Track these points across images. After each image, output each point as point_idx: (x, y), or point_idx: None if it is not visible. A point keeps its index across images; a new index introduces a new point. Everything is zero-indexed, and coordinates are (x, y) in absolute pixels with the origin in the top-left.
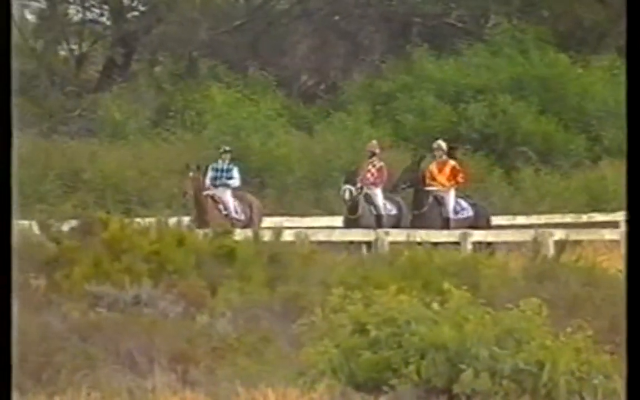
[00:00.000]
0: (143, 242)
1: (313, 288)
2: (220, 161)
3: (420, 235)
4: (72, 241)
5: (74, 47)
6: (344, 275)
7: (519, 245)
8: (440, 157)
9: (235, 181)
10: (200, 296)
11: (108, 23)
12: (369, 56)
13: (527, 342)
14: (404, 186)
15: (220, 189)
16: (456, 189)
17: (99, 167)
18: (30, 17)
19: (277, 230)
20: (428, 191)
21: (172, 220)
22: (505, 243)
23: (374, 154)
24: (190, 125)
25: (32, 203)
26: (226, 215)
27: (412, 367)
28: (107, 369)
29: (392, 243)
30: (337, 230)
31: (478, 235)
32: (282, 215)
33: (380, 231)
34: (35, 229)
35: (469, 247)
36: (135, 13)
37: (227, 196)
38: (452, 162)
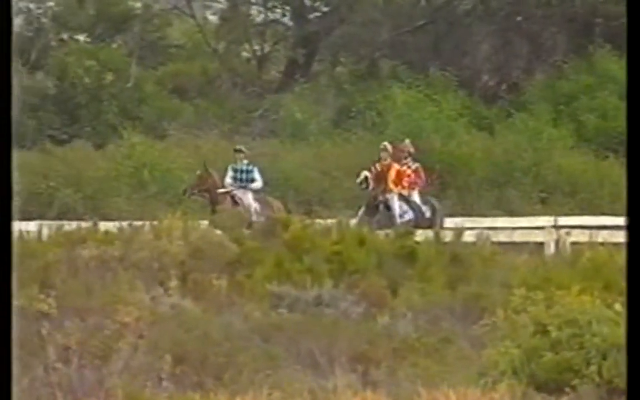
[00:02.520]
0: (324, 243)
1: (494, 289)
2: (239, 161)
3: (603, 235)
4: (253, 242)
5: (256, 47)
6: (525, 275)
7: None
8: (385, 159)
9: (258, 183)
10: (381, 297)
11: (290, 24)
12: (550, 57)
13: None
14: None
15: (241, 190)
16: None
17: (280, 168)
18: (212, 18)
19: (458, 231)
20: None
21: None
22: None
23: (409, 154)
24: (371, 125)
25: None
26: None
27: (593, 368)
28: (288, 370)
29: (573, 243)
30: (518, 231)
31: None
32: (463, 215)
33: (562, 232)
34: (217, 229)
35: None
36: (317, 14)
37: (249, 198)
38: (396, 166)
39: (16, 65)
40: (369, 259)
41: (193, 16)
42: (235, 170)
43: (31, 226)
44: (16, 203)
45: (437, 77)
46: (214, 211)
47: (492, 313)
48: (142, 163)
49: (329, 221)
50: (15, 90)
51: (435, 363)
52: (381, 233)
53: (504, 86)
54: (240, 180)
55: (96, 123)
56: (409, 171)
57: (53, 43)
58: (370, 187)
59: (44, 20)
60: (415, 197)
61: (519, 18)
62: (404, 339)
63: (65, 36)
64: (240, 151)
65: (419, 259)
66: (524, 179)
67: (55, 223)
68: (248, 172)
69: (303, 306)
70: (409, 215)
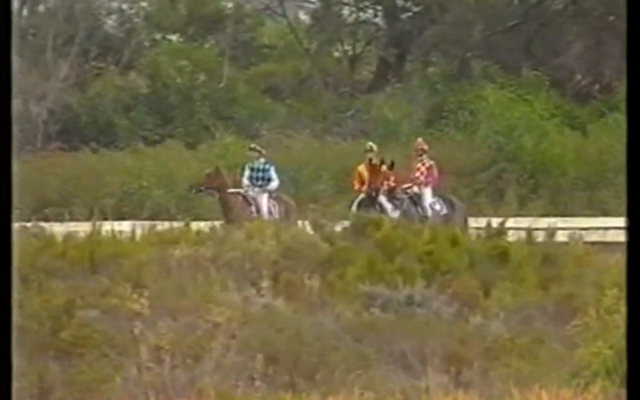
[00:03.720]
0: (416, 243)
1: (587, 289)
2: (255, 161)
3: None
4: (345, 242)
5: (348, 47)
6: (618, 276)
7: None
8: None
9: (274, 183)
10: (473, 297)
11: (381, 24)
12: None
13: None
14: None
15: (257, 189)
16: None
17: None
18: (304, 17)
19: (551, 231)
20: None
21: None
22: None
23: (424, 152)
24: (463, 125)
25: (306, 203)
26: (257, 217)
27: None
28: (380, 370)
29: None
30: (611, 231)
31: None
32: (555, 215)
33: None
34: (309, 229)
35: None
36: (409, 14)
37: (263, 198)
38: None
39: (108, 65)
40: (461, 259)
41: (285, 16)
42: (252, 169)
43: (124, 226)
44: (109, 203)
45: (530, 77)
46: (225, 212)
47: (585, 313)
48: (234, 163)
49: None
50: (109, 91)
51: (527, 363)
52: (473, 233)
53: (596, 86)
54: (257, 179)
55: (188, 123)
56: (422, 168)
57: (146, 43)
58: (362, 187)
59: (136, 20)
60: (427, 193)
61: (611, 17)
62: (496, 339)
63: (157, 36)
64: (254, 150)
65: (511, 259)
66: (617, 179)
67: (147, 223)
68: (264, 171)
69: (395, 306)
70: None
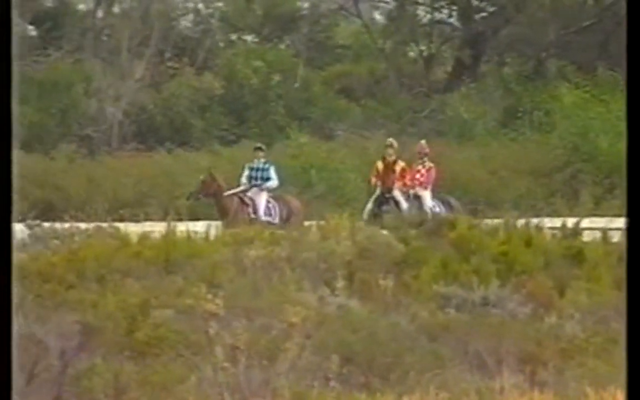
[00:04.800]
0: (491, 243)
1: None
2: (256, 160)
3: None
4: (420, 242)
5: (423, 48)
6: None
7: None
8: (391, 155)
9: (273, 182)
10: (548, 297)
11: (457, 24)
12: None
13: None
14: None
15: (255, 189)
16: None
17: (447, 167)
18: (379, 18)
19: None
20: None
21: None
22: None
23: (425, 155)
24: (538, 125)
25: None
26: (254, 218)
27: None
28: (455, 370)
29: None
30: None
31: None
32: None
33: None
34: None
35: None
36: (484, 14)
37: (261, 198)
38: (401, 163)
39: (184, 66)
40: (535, 259)
41: (360, 16)
42: (251, 169)
43: (199, 226)
44: (185, 203)
45: (605, 77)
46: (222, 216)
47: None
48: (309, 163)
49: (495, 221)
50: (185, 91)
51: (602, 364)
52: (548, 233)
53: None
54: (255, 178)
55: (263, 124)
56: (422, 170)
57: (221, 44)
58: (378, 182)
59: (211, 20)
60: (427, 195)
61: None
62: (571, 340)
63: (233, 37)
64: (260, 149)
65: (587, 259)
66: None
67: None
68: (264, 170)
69: (470, 306)
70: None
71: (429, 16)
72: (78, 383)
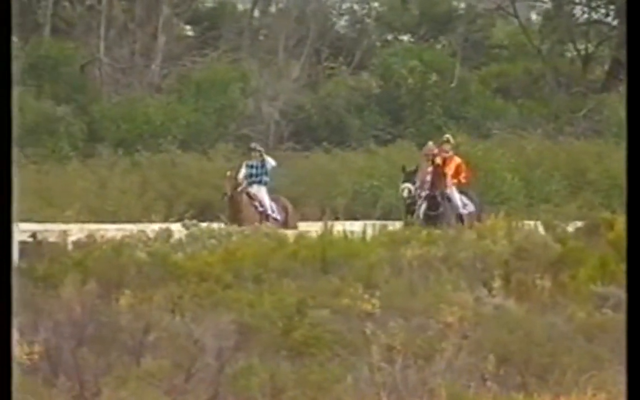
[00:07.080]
0: None
1: None
2: (254, 159)
3: None
4: (577, 242)
5: (580, 47)
6: None
7: None
8: (447, 152)
9: (267, 178)
10: None
11: (614, 23)
12: None
13: None
14: None
15: (255, 186)
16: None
17: (605, 168)
18: (535, 17)
19: None
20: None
21: None
22: None
23: (434, 156)
24: None
25: (537, 203)
26: (262, 212)
27: None
28: (612, 371)
29: None
30: None
31: None
32: None
33: None
34: (541, 229)
35: None
36: None
37: (263, 194)
38: (457, 159)
39: (340, 66)
40: None
41: (516, 16)
42: (250, 167)
43: (355, 226)
44: (341, 202)
45: None
46: (234, 211)
47: None
48: (465, 162)
49: None
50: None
51: None
52: None
53: None
54: (253, 175)
55: (420, 123)
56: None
57: (377, 43)
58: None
59: (367, 20)
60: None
61: None
62: None
63: (389, 37)
64: (254, 149)
65: None
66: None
67: (378, 223)
68: (261, 168)
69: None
70: (470, 207)
71: (585, 16)
72: (235, 382)
